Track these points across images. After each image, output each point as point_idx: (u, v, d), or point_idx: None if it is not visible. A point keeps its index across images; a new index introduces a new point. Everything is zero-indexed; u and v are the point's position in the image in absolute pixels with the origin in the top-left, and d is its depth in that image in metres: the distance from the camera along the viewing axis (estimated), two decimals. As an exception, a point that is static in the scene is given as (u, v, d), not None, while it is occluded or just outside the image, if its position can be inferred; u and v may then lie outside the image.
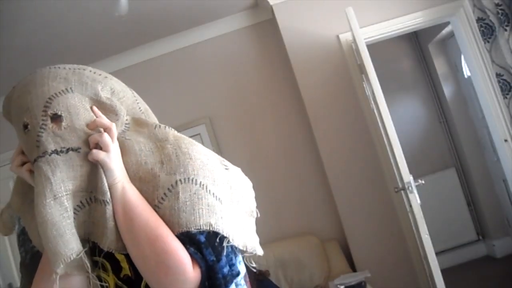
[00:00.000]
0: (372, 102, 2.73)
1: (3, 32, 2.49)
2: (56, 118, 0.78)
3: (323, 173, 3.08)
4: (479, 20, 2.76)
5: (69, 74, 0.83)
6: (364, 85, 2.88)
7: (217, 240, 0.80)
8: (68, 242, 0.74)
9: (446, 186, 3.89)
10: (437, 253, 2.33)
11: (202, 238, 0.79)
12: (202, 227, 0.78)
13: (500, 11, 2.57)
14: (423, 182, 2.51)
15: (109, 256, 0.83)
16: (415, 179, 2.37)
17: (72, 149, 0.78)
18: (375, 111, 2.68)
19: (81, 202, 0.79)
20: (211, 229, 0.79)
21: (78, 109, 0.80)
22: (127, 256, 0.82)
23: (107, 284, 0.83)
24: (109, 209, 0.79)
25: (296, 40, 3.00)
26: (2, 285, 3.13)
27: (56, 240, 0.73)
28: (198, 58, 3.31)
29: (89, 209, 0.80)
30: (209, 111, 3.26)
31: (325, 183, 3.09)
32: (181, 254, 0.76)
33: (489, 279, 3.31)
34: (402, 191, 2.46)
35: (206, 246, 0.79)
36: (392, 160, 2.59)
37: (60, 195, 0.75)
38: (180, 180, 0.80)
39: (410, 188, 2.28)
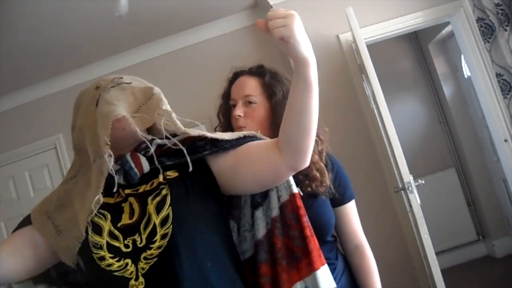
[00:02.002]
0: (372, 102, 2.73)
1: (2, 32, 2.49)
2: None
3: (323, 173, 3.08)
4: (479, 20, 2.76)
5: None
6: (364, 85, 2.88)
7: None
8: None
9: (446, 186, 3.89)
10: (437, 253, 2.33)
11: None
12: None
13: (500, 11, 2.57)
14: (423, 182, 2.51)
15: (114, 208, 0.94)
16: (415, 179, 2.36)
17: None
18: (375, 111, 2.68)
19: None
20: None
21: None
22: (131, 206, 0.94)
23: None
24: None
25: (296, 40, 2.99)
26: (2, 285, 3.13)
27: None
28: (198, 58, 3.31)
29: None
30: (209, 111, 3.23)
31: (325, 183, 3.09)
32: None
33: (489, 279, 3.31)
34: (402, 191, 2.46)
35: None
36: (392, 160, 2.58)
37: None
38: None
39: (410, 188, 2.28)
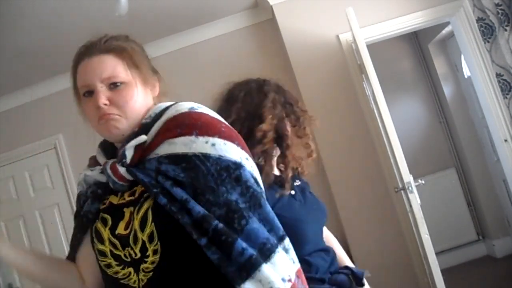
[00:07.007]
0: (372, 102, 2.73)
1: (2, 32, 2.49)
2: None
3: (323, 173, 3.08)
4: (479, 20, 2.76)
5: None
6: (364, 85, 2.88)
7: None
8: None
9: (446, 186, 3.89)
10: (437, 253, 2.33)
11: None
12: None
13: (500, 11, 2.57)
14: (423, 182, 2.51)
15: (116, 210, 0.89)
16: (415, 179, 2.37)
17: None
18: (375, 111, 2.68)
19: None
20: None
21: None
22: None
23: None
24: None
25: (296, 40, 3.00)
26: (2, 285, 3.13)
27: None
28: (198, 58, 3.31)
29: None
30: (209, 111, 3.25)
31: (325, 183, 3.08)
32: None
33: (489, 279, 3.31)
34: (402, 191, 2.46)
35: None
36: (392, 160, 2.59)
37: None
38: None
39: (410, 188, 2.28)
